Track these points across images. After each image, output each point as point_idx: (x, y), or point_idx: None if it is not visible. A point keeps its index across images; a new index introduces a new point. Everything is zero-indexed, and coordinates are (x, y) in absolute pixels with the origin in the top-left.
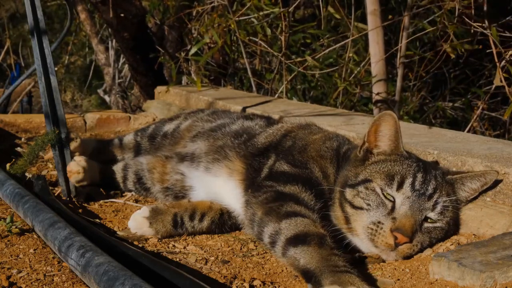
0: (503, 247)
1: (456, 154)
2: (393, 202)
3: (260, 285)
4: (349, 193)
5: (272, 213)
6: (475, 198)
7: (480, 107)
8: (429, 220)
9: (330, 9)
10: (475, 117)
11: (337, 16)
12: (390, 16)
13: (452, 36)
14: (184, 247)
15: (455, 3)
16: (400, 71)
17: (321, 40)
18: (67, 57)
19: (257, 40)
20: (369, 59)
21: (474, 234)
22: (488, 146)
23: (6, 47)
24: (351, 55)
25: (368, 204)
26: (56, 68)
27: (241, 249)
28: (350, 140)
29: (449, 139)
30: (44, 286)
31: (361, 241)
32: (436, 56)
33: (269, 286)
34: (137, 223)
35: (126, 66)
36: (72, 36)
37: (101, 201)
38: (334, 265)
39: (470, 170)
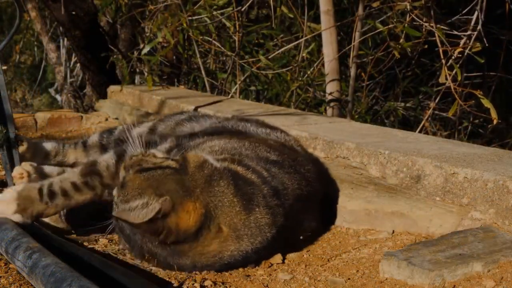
0: (452, 246)
1: (406, 154)
2: None
3: (211, 285)
4: None
5: None
6: None
7: (431, 107)
8: None
9: (284, 8)
10: (426, 117)
11: (290, 15)
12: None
13: (402, 36)
14: None
15: (406, 3)
16: (353, 71)
17: (275, 40)
18: (17, 56)
19: (210, 39)
20: (323, 59)
21: (424, 233)
22: (438, 146)
23: None
24: (304, 55)
25: None
26: (5, 67)
27: None
28: None
29: (400, 139)
30: None
31: None
32: (388, 56)
33: (220, 286)
34: None
35: (78, 65)
36: (22, 34)
37: None
38: None
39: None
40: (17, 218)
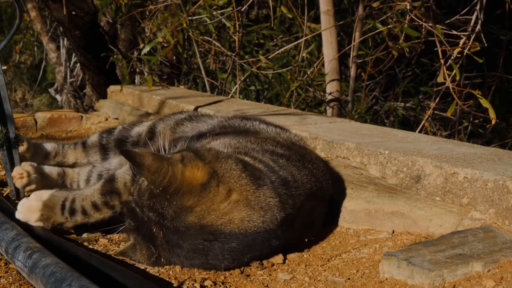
0: (452, 246)
1: (406, 154)
2: None
3: (211, 285)
4: None
5: None
6: None
7: (431, 107)
8: None
9: (283, 8)
10: (426, 117)
11: (290, 15)
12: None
13: (401, 36)
14: None
15: (406, 3)
16: (353, 71)
17: (275, 40)
18: (17, 56)
19: (210, 39)
20: (323, 59)
21: (424, 233)
22: (438, 146)
23: None
24: (304, 55)
25: None
26: (5, 67)
27: None
28: None
29: (400, 139)
30: None
31: None
32: (388, 56)
33: (220, 286)
34: None
35: (78, 65)
36: (22, 34)
37: None
38: None
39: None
40: (38, 224)
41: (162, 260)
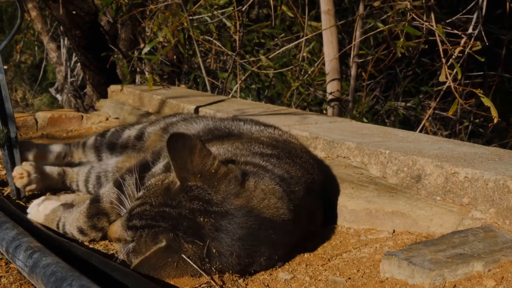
0: (452, 245)
1: (407, 154)
2: None
3: (212, 285)
4: None
5: None
6: None
7: (432, 107)
8: None
9: (284, 8)
10: (427, 116)
11: (290, 14)
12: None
13: (401, 35)
14: None
15: (407, 2)
16: (353, 71)
17: (275, 39)
18: (18, 55)
19: (211, 39)
20: (323, 58)
21: (424, 233)
22: (439, 146)
23: None
24: (305, 54)
25: None
26: (6, 67)
27: None
28: None
29: (400, 139)
30: None
31: None
32: (388, 56)
33: (220, 285)
34: None
35: (79, 64)
36: (22, 34)
37: None
38: None
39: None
40: None
41: (214, 251)
